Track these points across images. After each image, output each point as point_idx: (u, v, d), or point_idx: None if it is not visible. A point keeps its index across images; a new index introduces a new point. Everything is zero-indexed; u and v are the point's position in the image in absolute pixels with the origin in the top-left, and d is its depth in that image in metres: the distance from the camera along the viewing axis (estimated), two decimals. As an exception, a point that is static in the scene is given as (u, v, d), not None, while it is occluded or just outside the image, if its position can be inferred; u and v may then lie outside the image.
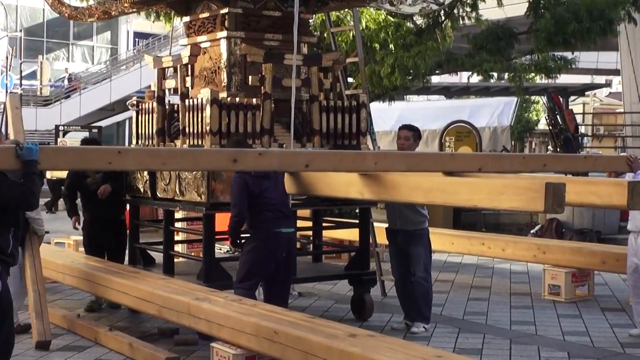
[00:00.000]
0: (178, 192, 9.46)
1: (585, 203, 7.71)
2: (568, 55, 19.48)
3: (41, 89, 41.44)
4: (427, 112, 25.99)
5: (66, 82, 44.78)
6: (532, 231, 16.75)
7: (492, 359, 8.40)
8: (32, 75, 43.91)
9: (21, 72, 35.65)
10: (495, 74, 19.92)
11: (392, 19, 17.15)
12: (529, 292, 11.96)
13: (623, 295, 11.35)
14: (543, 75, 19.67)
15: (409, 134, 9.58)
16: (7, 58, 34.58)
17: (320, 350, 6.20)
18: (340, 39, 16.35)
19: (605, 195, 7.08)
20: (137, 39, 51.93)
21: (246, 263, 8.55)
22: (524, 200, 6.45)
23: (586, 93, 43.15)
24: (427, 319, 9.50)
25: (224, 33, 9.63)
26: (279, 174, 8.19)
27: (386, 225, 9.81)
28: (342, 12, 15.84)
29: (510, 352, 8.66)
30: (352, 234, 11.49)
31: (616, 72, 35.87)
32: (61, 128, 28.20)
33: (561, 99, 24.90)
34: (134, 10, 11.03)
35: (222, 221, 9.65)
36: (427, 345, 8.26)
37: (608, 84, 48.66)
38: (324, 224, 11.41)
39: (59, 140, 26.53)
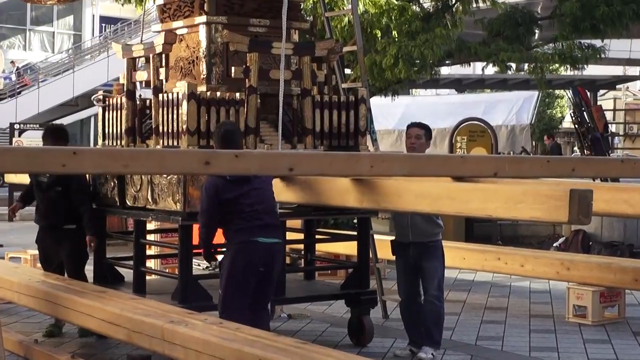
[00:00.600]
0: (150, 200, 9.45)
1: (615, 213, 7.78)
2: (597, 43, 19.51)
3: (-6, 81, 41.40)
4: (435, 108, 26.06)
5: (14, 77, 44.55)
6: (555, 244, 16.77)
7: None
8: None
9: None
10: (513, 65, 19.94)
11: (395, 2, 17.18)
12: (551, 314, 11.99)
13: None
14: (568, 66, 19.69)
15: (420, 132, 9.57)
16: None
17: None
18: (336, 25, 16.37)
19: (639, 204, 7.12)
20: (103, 25, 51.90)
21: (222, 283, 8.50)
22: (545, 209, 6.48)
23: (617, 86, 43.25)
24: (438, 343, 9.49)
25: (203, 18, 9.63)
26: (265, 178, 8.18)
27: (391, 237, 9.83)
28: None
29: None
30: (349, 248, 11.49)
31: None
32: (16, 126, 28.13)
33: (589, 94, 24.95)
34: (100, -9, 11.04)
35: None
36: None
37: (642, 77, 48.61)
38: (317, 236, 11.43)
39: (14, 140, 26.45)
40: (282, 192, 8.72)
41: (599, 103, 37.75)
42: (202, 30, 9.67)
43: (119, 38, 44.35)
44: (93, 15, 53.07)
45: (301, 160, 7.14)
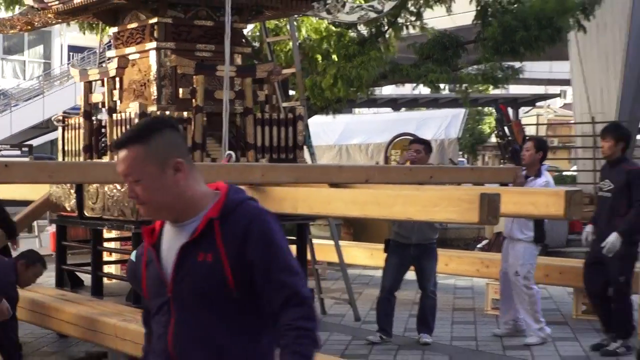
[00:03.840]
0: (105, 211, 9.47)
1: (522, 213, 7.92)
2: (517, 64, 19.71)
3: (-30, 106, 41.10)
4: (372, 125, 26.13)
5: (1, 99, 44.29)
6: (478, 246, 16.92)
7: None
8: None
9: (-52, 89, 35.35)
10: (442, 85, 20.08)
11: (334, 28, 17.25)
12: (472, 307, 12.13)
13: (567, 308, 11.56)
14: (491, 86, 19.90)
15: (420, 147, 10.09)
16: None
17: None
18: (281, 49, 16.43)
19: (543, 205, 7.26)
20: (71, 53, 51.50)
21: None
22: (458, 211, 6.60)
23: (540, 104, 43.70)
24: (432, 330, 9.89)
25: (154, 44, 9.65)
26: None
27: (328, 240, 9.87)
28: (280, 21, 15.92)
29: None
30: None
31: (569, 82, 36.36)
32: (-10, 147, 27.85)
33: (510, 110, 25.19)
34: (59, 21, 10.99)
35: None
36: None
37: (561, 95, 49.23)
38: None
39: (-12, 158, 26.19)
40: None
41: (524, 120, 38.20)
42: (153, 55, 9.67)
43: (85, 65, 44.05)
44: (61, 45, 52.68)
45: (207, 170, 7.50)
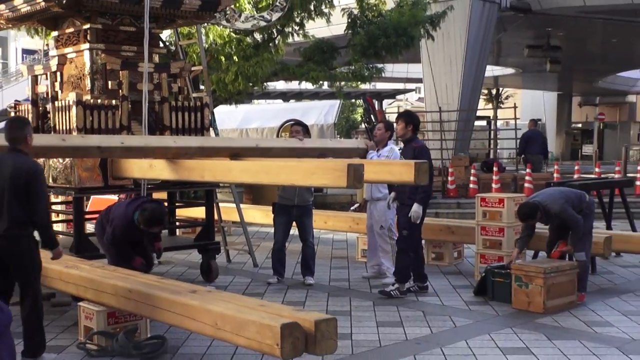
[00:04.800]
0: (51, 180, 9.35)
1: (381, 180, 8.03)
2: (380, 65, 19.88)
3: None
4: (266, 113, 26.06)
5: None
6: (351, 208, 17.00)
7: (312, 306, 8.61)
8: None
9: None
10: (321, 82, 20.15)
11: (234, 35, 17.15)
12: (346, 256, 12.27)
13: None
14: (359, 82, 20.02)
15: (299, 128, 10.30)
16: None
17: (165, 304, 6.27)
18: (191, 50, 16.27)
19: (397, 173, 7.34)
20: (25, 55, 50.45)
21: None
22: (331, 178, 6.64)
23: (400, 97, 44.09)
24: (313, 273, 10.00)
25: (87, 45, 9.51)
26: None
27: (228, 204, 9.90)
28: (192, 27, 15.77)
29: (327, 302, 8.92)
30: (201, 212, 11.51)
31: (422, 80, 36.78)
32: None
33: (375, 102, 25.36)
34: (9, 26, 10.73)
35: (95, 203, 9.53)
36: (261, 298, 8.39)
37: (416, 90, 49.85)
38: (177, 204, 11.46)
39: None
40: (149, 172, 8.76)
41: (388, 109, 38.48)
42: (87, 54, 9.53)
43: (36, 64, 43.13)
44: (16, 48, 51.75)
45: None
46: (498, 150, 27.14)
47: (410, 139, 9.19)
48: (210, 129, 10.63)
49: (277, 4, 11.40)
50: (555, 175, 20.32)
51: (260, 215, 13.31)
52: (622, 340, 7.27)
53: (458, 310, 8.49)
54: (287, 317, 5.37)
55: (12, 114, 10.34)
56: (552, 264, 8.64)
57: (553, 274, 8.42)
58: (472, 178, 19.40)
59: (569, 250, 9.02)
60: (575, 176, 20.82)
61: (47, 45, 13.78)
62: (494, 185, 18.49)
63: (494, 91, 53.27)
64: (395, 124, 9.66)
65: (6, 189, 6.22)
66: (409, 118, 9.32)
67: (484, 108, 43.70)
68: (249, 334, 5.40)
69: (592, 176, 19.85)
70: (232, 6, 11.20)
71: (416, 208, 8.91)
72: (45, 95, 10.09)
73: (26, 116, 9.90)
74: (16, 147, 6.39)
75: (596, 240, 9.49)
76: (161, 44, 11.88)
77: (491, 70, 41.56)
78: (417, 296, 9.20)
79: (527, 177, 18.82)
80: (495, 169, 19.16)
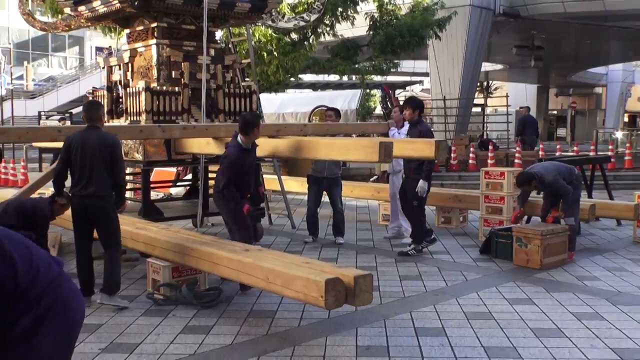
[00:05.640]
0: (125, 154, 9.09)
1: (407, 156, 7.68)
2: (396, 60, 19.63)
3: (27, 86, 40.11)
4: (300, 100, 25.65)
5: (50, 82, 43.62)
6: (371, 179, 16.74)
7: (343, 262, 8.31)
8: (21, 77, 42.63)
9: (12, 74, 34.35)
10: (346, 74, 19.91)
11: (275, 34, 16.87)
12: (369, 220, 11.96)
13: (432, 219, 11.44)
14: (376, 75, 19.76)
15: (332, 112, 10.07)
16: (1, 64, 33.50)
17: (223, 261, 6.00)
18: (241, 47, 16.01)
19: (420, 150, 7.06)
20: (97, 51, 50.52)
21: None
22: (365, 154, 6.40)
23: (407, 88, 43.49)
24: (343, 234, 9.67)
25: (154, 41, 9.23)
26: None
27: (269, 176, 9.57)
28: (242, 28, 15.50)
29: (356, 259, 8.62)
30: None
31: (426, 74, 36.28)
32: (43, 114, 26.83)
33: (390, 91, 25.00)
34: (89, 24, 10.48)
35: (157, 174, 9.24)
36: (300, 255, 8.11)
37: (421, 83, 49.40)
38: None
39: (41, 122, 25.17)
40: (206, 148, 8.47)
41: (397, 96, 38.05)
42: (154, 48, 9.25)
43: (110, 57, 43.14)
44: (91, 46, 51.79)
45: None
46: (488, 132, 26.75)
47: (417, 122, 8.83)
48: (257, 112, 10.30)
49: (315, 6, 11.03)
50: (540, 153, 19.88)
51: (296, 185, 13.02)
52: (610, 293, 6.93)
53: (467, 266, 8.16)
54: (329, 273, 5.07)
55: (90, 98, 10.07)
56: (547, 227, 8.35)
57: (548, 235, 8.13)
58: (471, 155, 19.04)
59: (560, 216, 8.69)
60: (557, 154, 20.35)
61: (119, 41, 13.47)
62: (489, 161, 18.11)
63: (485, 83, 52.57)
64: (404, 109, 9.26)
65: (96, 158, 6.17)
66: (416, 104, 8.93)
67: (477, 97, 43.18)
68: (296, 287, 5.10)
69: (572, 154, 19.42)
70: (277, 8, 10.85)
71: (422, 184, 8.58)
72: (118, 83, 9.83)
73: (102, 100, 9.64)
74: (94, 124, 6.32)
75: (582, 207, 9.15)
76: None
77: (483, 66, 40.98)
78: (432, 254, 8.88)
79: (517, 155, 18.43)
80: (490, 147, 18.84)
